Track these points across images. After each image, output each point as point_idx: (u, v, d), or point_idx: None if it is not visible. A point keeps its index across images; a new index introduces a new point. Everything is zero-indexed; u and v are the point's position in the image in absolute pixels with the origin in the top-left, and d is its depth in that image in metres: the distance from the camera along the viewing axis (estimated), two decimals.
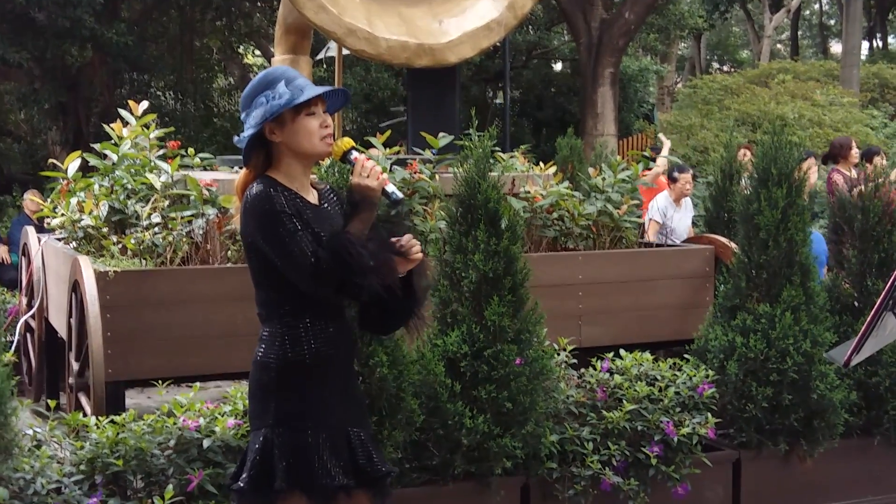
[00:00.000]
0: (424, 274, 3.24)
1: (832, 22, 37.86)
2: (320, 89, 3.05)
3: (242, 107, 3.08)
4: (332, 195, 3.22)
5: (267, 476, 3.01)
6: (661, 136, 9.80)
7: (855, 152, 8.45)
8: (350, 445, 3.08)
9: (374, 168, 2.99)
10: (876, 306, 2.94)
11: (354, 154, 3.06)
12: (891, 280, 3.01)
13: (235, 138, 3.09)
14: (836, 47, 35.60)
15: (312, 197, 3.10)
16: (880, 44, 33.08)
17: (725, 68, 36.28)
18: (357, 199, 2.99)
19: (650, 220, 8.58)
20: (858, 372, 4.95)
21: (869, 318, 2.91)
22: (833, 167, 8.41)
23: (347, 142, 3.08)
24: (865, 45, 30.12)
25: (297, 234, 2.91)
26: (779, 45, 38.23)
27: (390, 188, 3.01)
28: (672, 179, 8.65)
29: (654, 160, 8.80)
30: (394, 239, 3.03)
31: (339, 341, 3.10)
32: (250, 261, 3.09)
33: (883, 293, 2.94)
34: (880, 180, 5.08)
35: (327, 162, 4.03)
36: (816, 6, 38.25)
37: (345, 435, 3.08)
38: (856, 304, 5.04)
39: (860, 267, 5.08)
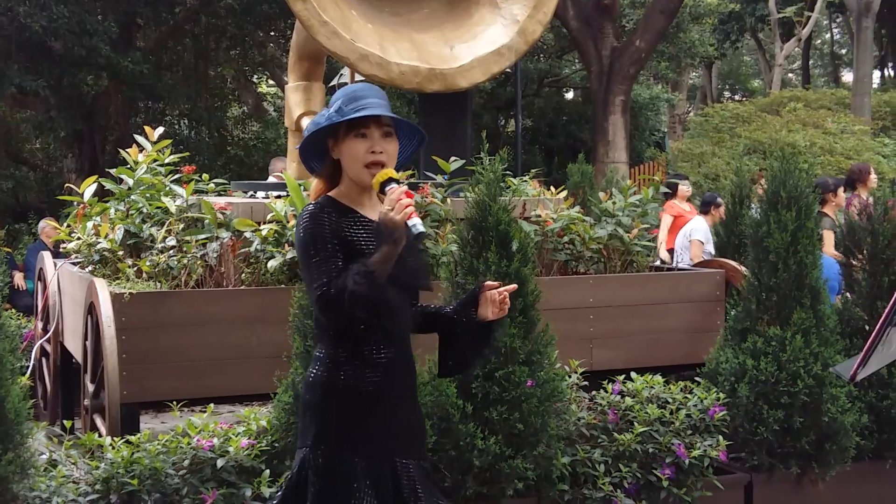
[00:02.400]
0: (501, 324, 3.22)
1: (843, 51, 37.93)
2: (370, 111, 2.89)
3: None
4: None
5: (299, 496, 2.95)
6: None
7: (873, 177, 8.61)
8: (395, 476, 2.95)
9: (400, 201, 2.78)
10: (880, 321, 2.97)
11: (392, 185, 2.86)
12: (895, 296, 3.04)
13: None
14: (847, 76, 35.65)
15: None
16: (892, 72, 33.19)
17: (737, 97, 36.35)
18: (381, 231, 2.80)
19: (694, 240, 9.10)
20: (870, 395, 4.95)
21: (874, 333, 2.94)
22: (853, 193, 8.47)
23: (387, 172, 2.90)
24: (877, 73, 30.18)
25: (326, 261, 2.83)
26: (790, 75, 38.31)
27: (412, 221, 2.79)
28: (716, 205, 9.44)
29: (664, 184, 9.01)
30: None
31: (392, 368, 2.97)
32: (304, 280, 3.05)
33: (887, 309, 2.97)
34: (889, 203, 5.11)
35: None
36: (827, 35, 38.34)
37: (390, 465, 2.96)
38: (866, 326, 5.04)
39: (870, 290, 5.10)
